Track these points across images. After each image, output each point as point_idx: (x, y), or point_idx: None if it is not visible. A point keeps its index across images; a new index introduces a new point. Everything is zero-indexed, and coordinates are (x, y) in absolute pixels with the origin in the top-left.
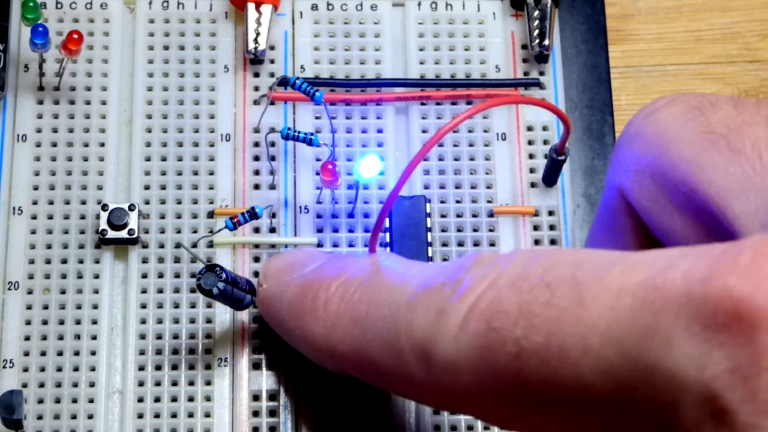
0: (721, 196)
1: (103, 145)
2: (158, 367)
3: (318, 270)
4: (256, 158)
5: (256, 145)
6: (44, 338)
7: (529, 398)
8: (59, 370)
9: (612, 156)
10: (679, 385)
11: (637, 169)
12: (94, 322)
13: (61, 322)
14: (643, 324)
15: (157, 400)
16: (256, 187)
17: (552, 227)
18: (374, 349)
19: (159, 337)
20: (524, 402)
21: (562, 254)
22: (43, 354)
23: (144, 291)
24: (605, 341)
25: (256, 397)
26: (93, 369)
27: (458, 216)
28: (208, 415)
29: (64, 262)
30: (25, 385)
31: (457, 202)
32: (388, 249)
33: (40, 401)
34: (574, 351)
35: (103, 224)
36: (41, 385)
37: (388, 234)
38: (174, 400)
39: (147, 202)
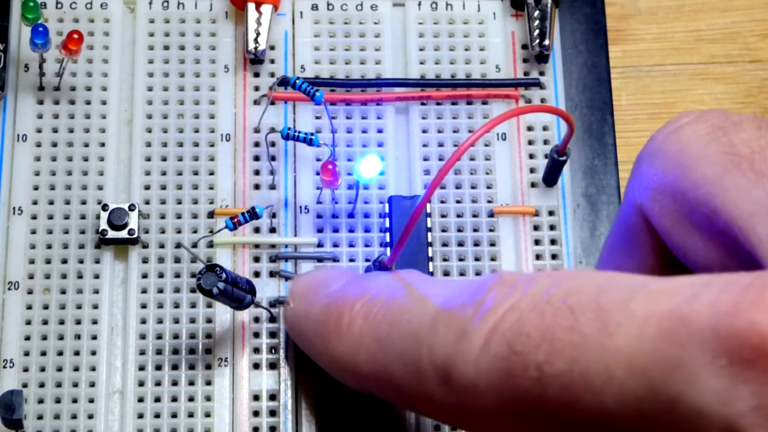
0: (744, 219)
1: (103, 145)
2: (158, 367)
3: (342, 289)
4: (257, 158)
5: (257, 145)
6: (44, 338)
7: (549, 423)
8: (59, 369)
9: (632, 171)
10: (703, 419)
11: (657, 187)
12: (95, 322)
13: (62, 322)
14: (668, 355)
15: (158, 400)
16: (257, 187)
17: (552, 227)
18: (395, 369)
19: (159, 337)
20: (544, 426)
21: (584, 277)
22: (44, 354)
23: (144, 291)
24: (629, 371)
25: (256, 397)
26: (93, 369)
27: (458, 216)
28: (208, 415)
29: (65, 262)
30: (25, 385)
31: (457, 202)
32: (388, 249)
33: (41, 401)
34: (597, 379)
35: (104, 224)
36: (41, 385)
37: (387, 234)
38: (174, 400)
39: (147, 202)
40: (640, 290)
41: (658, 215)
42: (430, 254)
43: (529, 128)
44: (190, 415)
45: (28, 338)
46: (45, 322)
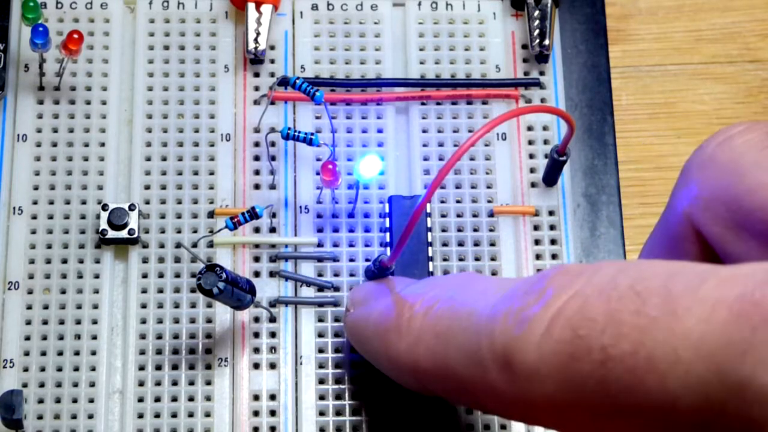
0: None
1: (103, 144)
2: (158, 367)
3: (402, 291)
4: (257, 158)
5: (257, 144)
6: (44, 338)
7: (612, 409)
8: (59, 369)
9: (678, 181)
10: None
11: (709, 195)
12: (95, 322)
13: (62, 322)
14: (739, 339)
15: (158, 399)
16: (257, 186)
17: (552, 227)
18: (456, 362)
19: (159, 336)
20: (607, 413)
21: (651, 265)
22: (44, 354)
23: (144, 291)
24: (697, 354)
25: (256, 397)
26: (93, 369)
27: (458, 216)
28: (208, 415)
29: (65, 262)
30: (25, 385)
31: (457, 202)
32: (388, 249)
33: (41, 401)
34: (664, 362)
35: (104, 224)
36: (41, 385)
37: (387, 234)
38: (174, 399)
39: (147, 202)
40: (709, 276)
41: (709, 224)
42: (430, 254)
43: (529, 128)
44: (190, 415)
45: (28, 338)
46: (45, 322)
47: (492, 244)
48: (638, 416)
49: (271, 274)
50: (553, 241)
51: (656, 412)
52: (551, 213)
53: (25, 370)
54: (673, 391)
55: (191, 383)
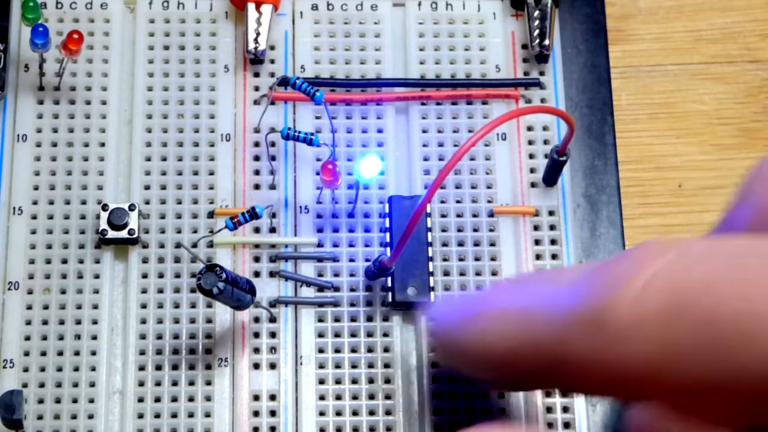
0: None
1: (103, 145)
2: (158, 367)
3: (487, 288)
4: (257, 158)
5: (257, 145)
6: (44, 338)
7: (703, 374)
8: (59, 370)
9: (737, 196)
10: None
11: None
12: (95, 322)
13: (62, 322)
14: None
15: (158, 400)
16: (257, 187)
17: (552, 227)
18: (539, 334)
19: (159, 337)
20: (697, 379)
21: (751, 237)
22: (44, 354)
23: (144, 291)
24: None
25: (256, 397)
26: (93, 369)
27: (458, 216)
28: (208, 415)
29: (65, 262)
30: (25, 385)
31: (457, 202)
32: (388, 249)
33: (41, 401)
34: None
35: (104, 224)
36: (41, 385)
37: (387, 234)
38: (174, 400)
39: (147, 202)
40: None
41: None
42: (430, 254)
43: (529, 128)
44: (190, 415)
45: (28, 338)
46: (45, 322)
47: (492, 244)
48: (735, 385)
49: (271, 274)
50: (553, 241)
51: (753, 379)
52: (551, 213)
53: (25, 370)
54: None
55: (191, 383)
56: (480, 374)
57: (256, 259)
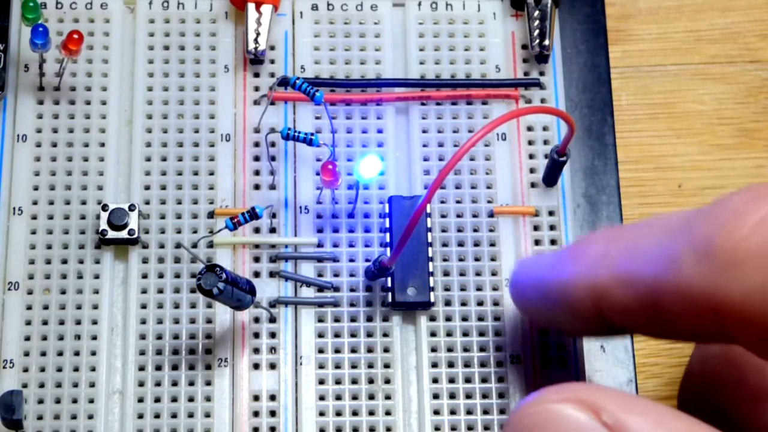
0: None
1: (103, 145)
2: (158, 368)
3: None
4: (257, 158)
5: (257, 145)
6: (44, 338)
7: None
8: (59, 370)
9: None
10: None
11: None
12: (95, 323)
13: (62, 323)
14: None
15: (158, 400)
16: (257, 187)
17: (552, 227)
18: (643, 266)
19: (159, 337)
20: None
21: None
22: (43, 354)
23: (144, 291)
24: None
25: (256, 397)
26: (93, 369)
27: (458, 216)
28: (208, 415)
29: (65, 262)
30: (25, 385)
31: (457, 202)
32: (388, 249)
33: (41, 401)
34: None
35: (104, 224)
36: (41, 386)
37: (387, 234)
38: (174, 400)
39: (147, 202)
40: None
41: None
42: (430, 254)
43: (529, 128)
44: (190, 415)
45: (28, 338)
46: (45, 323)
47: (492, 245)
48: None
49: (271, 275)
50: (553, 242)
51: None
52: (551, 213)
53: (25, 370)
54: None
55: (191, 384)
56: (570, 315)
57: (256, 259)
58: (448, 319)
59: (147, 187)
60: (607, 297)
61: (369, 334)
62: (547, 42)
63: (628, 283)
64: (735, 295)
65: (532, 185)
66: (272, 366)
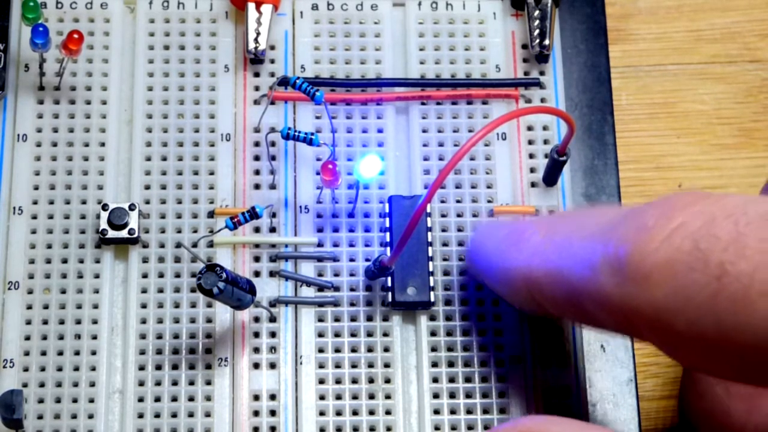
0: None
1: (103, 144)
2: (158, 367)
3: (528, 219)
4: (257, 158)
5: (257, 144)
6: (44, 338)
7: (715, 326)
8: (59, 369)
9: None
10: None
11: None
12: (95, 322)
13: (62, 322)
14: None
15: (158, 399)
16: (257, 186)
17: None
18: (568, 268)
19: (159, 336)
20: (709, 330)
21: None
22: (44, 354)
23: (144, 291)
24: None
25: (256, 397)
26: (93, 369)
27: (458, 216)
28: (208, 415)
29: (65, 261)
30: (25, 385)
31: (457, 202)
32: (388, 249)
33: (41, 401)
34: None
35: (104, 224)
36: (41, 385)
37: (387, 234)
38: (174, 399)
39: (147, 202)
40: None
41: None
42: (430, 254)
43: (529, 128)
44: (190, 415)
45: (28, 338)
46: (45, 322)
47: None
48: (744, 341)
49: (271, 274)
50: None
51: (758, 339)
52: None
53: (25, 370)
54: None
55: (191, 383)
56: (516, 294)
57: (256, 259)
58: (448, 318)
59: (147, 187)
60: (539, 289)
61: (369, 334)
62: (547, 42)
63: (555, 280)
64: (643, 307)
65: (532, 185)
66: (272, 365)
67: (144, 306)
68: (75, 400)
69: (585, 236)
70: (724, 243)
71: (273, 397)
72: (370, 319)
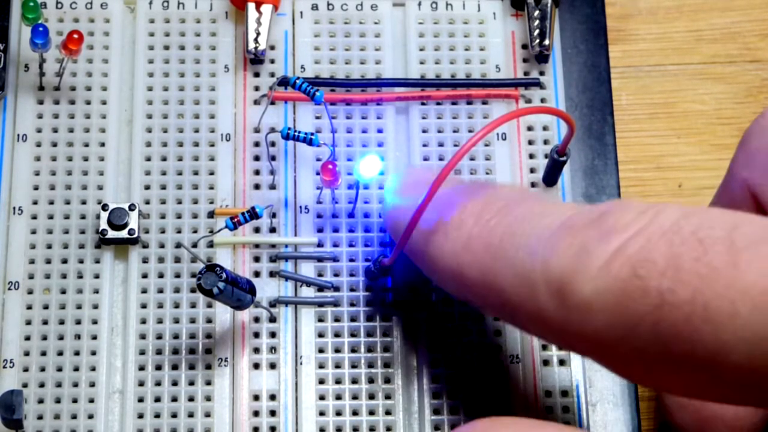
0: None
1: (103, 144)
2: (158, 367)
3: (454, 190)
4: (257, 158)
5: (257, 144)
6: (44, 338)
7: (661, 353)
8: (59, 370)
9: (738, 149)
10: None
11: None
12: (95, 322)
13: (62, 322)
14: None
15: (158, 399)
16: (257, 186)
17: None
18: (504, 279)
19: (159, 336)
20: (654, 355)
21: (716, 213)
22: (44, 354)
23: (144, 291)
24: (756, 309)
25: (256, 397)
26: (93, 369)
27: None
28: (208, 415)
29: (65, 262)
30: (25, 385)
31: None
32: (388, 250)
33: (41, 401)
34: (720, 313)
35: (104, 224)
36: (41, 385)
37: (388, 234)
38: (174, 400)
39: (147, 202)
40: None
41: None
42: None
43: (529, 128)
44: (190, 415)
45: (28, 338)
46: (45, 322)
47: None
48: (686, 363)
49: (271, 274)
50: None
51: (706, 363)
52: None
53: (25, 370)
54: (726, 343)
55: (191, 383)
56: (445, 285)
57: (256, 259)
58: (448, 318)
59: (147, 187)
60: (469, 289)
61: (369, 334)
62: (547, 42)
63: (489, 287)
64: (584, 332)
65: (533, 185)
66: (272, 366)
67: (144, 306)
68: (75, 401)
69: (522, 245)
70: (661, 267)
71: (273, 397)
72: (370, 319)
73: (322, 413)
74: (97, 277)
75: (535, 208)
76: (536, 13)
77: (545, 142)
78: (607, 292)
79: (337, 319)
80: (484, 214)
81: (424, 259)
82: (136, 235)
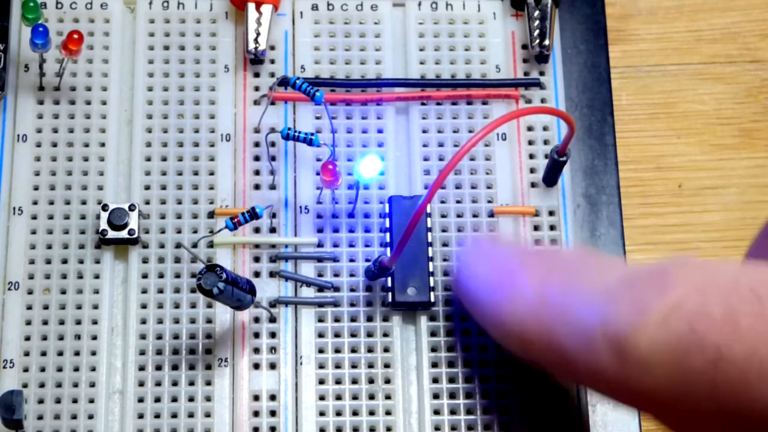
0: None
1: (103, 145)
2: (158, 367)
3: (516, 256)
4: (257, 158)
5: (257, 145)
6: (44, 338)
7: (718, 409)
8: (59, 370)
9: None
10: None
11: None
12: (95, 322)
13: (62, 322)
14: None
15: (158, 400)
16: (257, 187)
17: (552, 227)
18: (564, 336)
19: (159, 337)
20: (711, 412)
21: None
22: (44, 354)
23: (144, 291)
24: None
25: (256, 397)
26: (93, 369)
27: (458, 216)
28: (208, 415)
29: (65, 262)
30: (25, 385)
31: (457, 202)
32: (388, 249)
33: (41, 401)
34: None
35: (104, 224)
36: (41, 385)
37: (387, 234)
38: (174, 400)
39: (147, 202)
40: None
41: None
42: (430, 254)
43: (529, 128)
44: (190, 415)
45: (28, 338)
46: (45, 322)
47: None
48: (743, 420)
49: (271, 275)
50: (553, 242)
51: (762, 421)
52: (551, 213)
53: (25, 370)
54: None
55: (191, 383)
56: (511, 348)
57: (256, 259)
58: (448, 318)
59: (147, 187)
60: (532, 348)
61: (369, 334)
62: (547, 42)
63: (550, 345)
64: (642, 387)
65: (532, 185)
66: (272, 366)
67: (144, 306)
68: (75, 401)
69: (580, 302)
70: (719, 323)
71: (273, 397)
72: (370, 319)
73: (322, 413)
74: (97, 277)
75: (595, 266)
76: (536, 13)
77: (545, 142)
78: (665, 348)
79: (337, 320)
80: (543, 273)
81: (489, 324)
82: (136, 236)
